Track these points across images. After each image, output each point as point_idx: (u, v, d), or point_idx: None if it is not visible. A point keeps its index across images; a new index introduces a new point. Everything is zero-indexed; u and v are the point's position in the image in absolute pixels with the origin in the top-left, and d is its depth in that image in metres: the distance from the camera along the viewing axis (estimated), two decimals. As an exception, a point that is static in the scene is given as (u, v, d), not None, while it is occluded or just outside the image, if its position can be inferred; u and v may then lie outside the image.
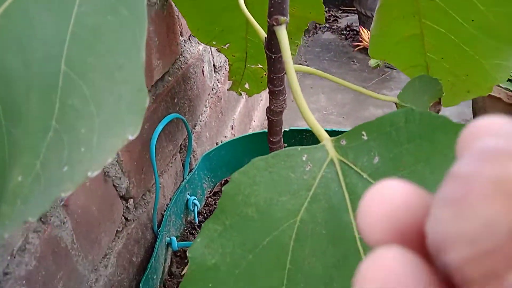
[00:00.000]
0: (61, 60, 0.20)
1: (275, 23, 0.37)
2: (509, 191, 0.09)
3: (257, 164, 0.31)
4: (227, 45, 0.62)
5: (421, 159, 0.29)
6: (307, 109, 0.32)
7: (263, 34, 0.41)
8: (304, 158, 0.31)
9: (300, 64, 1.59)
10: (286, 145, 0.57)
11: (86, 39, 0.20)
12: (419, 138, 0.29)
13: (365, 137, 0.30)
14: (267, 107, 0.49)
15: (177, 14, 0.61)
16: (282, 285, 0.30)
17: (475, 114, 1.25)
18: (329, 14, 2.02)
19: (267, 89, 0.47)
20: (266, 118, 0.51)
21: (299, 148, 0.31)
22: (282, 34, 0.36)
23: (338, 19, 2.00)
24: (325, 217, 0.31)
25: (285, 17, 0.36)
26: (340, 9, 2.09)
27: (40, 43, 0.21)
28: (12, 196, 0.18)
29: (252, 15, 0.42)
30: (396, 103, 0.49)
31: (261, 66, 0.62)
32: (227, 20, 0.57)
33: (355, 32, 1.81)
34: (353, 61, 1.65)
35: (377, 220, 0.12)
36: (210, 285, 0.30)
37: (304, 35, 1.77)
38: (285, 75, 0.44)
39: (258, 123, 1.10)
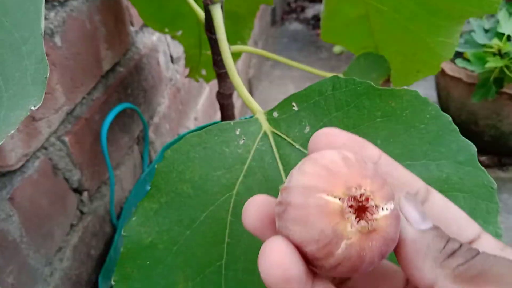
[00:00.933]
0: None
1: (209, 2, 0.37)
2: (327, 211, 0.17)
3: (190, 140, 0.30)
4: (179, 32, 0.61)
5: (350, 125, 0.30)
6: (240, 83, 0.32)
7: (202, 15, 0.41)
8: (237, 132, 0.31)
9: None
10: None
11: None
12: (347, 106, 0.30)
13: (295, 108, 0.31)
14: (217, 91, 0.49)
15: (126, 3, 0.60)
16: (221, 259, 0.30)
17: (439, 95, 1.28)
18: (296, 5, 2.03)
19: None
20: (218, 103, 0.51)
21: (232, 122, 0.31)
22: (217, 13, 0.36)
23: (305, 9, 2.01)
24: (261, 189, 0.31)
25: (219, -4, 0.36)
26: None
27: None
28: None
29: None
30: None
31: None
32: (176, 6, 0.57)
33: (321, 22, 1.82)
34: (321, 50, 1.66)
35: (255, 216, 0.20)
36: (147, 262, 0.30)
37: (272, 26, 1.77)
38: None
39: (224, 114, 1.09)
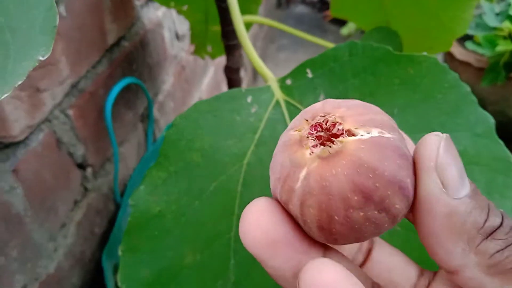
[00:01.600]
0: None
1: (219, -32, 0.35)
2: (288, 144, 0.14)
3: (200, 107, 0.29)
4: (185, 7, 0.60)
5: (366, 93, 0.28)
6: (252, 49, 0.31)
7: (211, -17, 0.40)
8: (249, 100, 0.30)
9: (273, 37, 1.57)
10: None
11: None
12: (363, 72, 0.28)
13: (309, 75, 0.29)
14: (225, 66, 0.48)
15: (131, -24, 0.58)
16: (230, 231, 0.30)
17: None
18: (302, -12, 2.00)
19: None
20: (226, 78, 0.50)
21: (243, 89, 0.30)
22: (227, -22, 0.35)
23: (310, -7, 1.98)
24: (273, 159, 0.30)
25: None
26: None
27: None
28: None
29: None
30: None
31: (220, 28, 0.60)
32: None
33: (328, 4, 1.79)
34: (327, 33, 1.64)
35: None
36: (155, 233, 0.29)
37: (277, 9, 1.75)
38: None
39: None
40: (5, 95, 0.19)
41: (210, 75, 0.93)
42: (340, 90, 0.29)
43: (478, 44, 1.00)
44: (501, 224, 0.14)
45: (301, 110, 0.31)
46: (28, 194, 0.42)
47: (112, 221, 0.58)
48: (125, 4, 0.57)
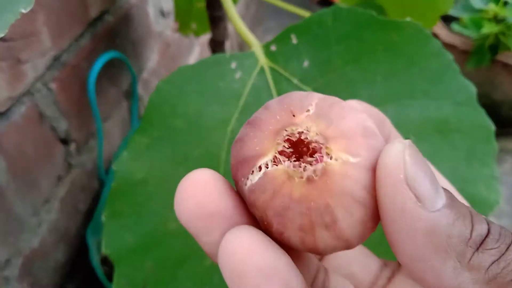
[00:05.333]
0: None
1: None
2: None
3: (183, 72, 0.29)
4: (169, -18, 0.59)
5: (350, 60, 0.29)
6: (236, 16, 0.31)
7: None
8: (233, 66, 0.30)
9: (260, 19, 1.56)
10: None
11: None
12: (347, 38, 0.28)
13: (294, 41, 0.29)
14: (209, 39, 0.48)
15: (114, -51, 0.57)
16: (215, 197, 0.30)
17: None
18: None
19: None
20: (210, 51, 0.50)
21: (227, 55, 0.30)
22: None
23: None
24: (257, 126, 0.30)
25: None
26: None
27: None
28: None
29: None
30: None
31: (205, 2, 0.59)
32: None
33: (314, -12, 1.78)
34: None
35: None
36: (139, 199, 0.29)
37: (263, -8, 1.73)
38: None
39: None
40: None
41: (196, 53, 0.92)
42: (324, 56, 0.29)
43: (464, 26, 1.00)
44: (489, 231, 0.12)
45: (285, 76, 0.31)
46: (10, 167, 0.41)
47: (96, 198, 0.57)
48: (108, -23, 0.56)
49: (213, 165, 0.29)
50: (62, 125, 0.49)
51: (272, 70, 0.30)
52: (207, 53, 1.02)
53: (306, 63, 0.29)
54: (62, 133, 0.49)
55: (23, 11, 0.19)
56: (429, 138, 0.29)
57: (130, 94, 0.64)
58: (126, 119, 0.64)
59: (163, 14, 0.74)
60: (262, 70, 0.30)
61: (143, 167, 0.29)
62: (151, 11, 0.69)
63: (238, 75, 0.30)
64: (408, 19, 0.28)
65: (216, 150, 0.29)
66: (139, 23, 0.64)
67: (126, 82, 0.62)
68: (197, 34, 0.64)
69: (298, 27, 0.29)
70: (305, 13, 0.51)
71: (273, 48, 0.30)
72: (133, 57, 0.63)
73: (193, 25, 0.64)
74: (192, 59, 0.90)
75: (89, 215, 0.56)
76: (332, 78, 0.29)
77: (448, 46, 1.11)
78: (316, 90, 0.29)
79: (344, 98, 0.29)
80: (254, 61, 0.30)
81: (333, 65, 0.29)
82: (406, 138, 0.29)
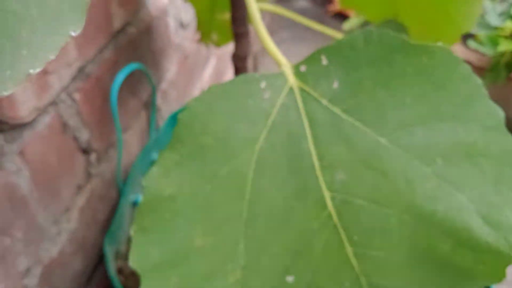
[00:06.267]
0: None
1: (234, -47, 0.35)
2: None
3: (214, 91, 0.29)
4: (192, -5, 0.60)
5: (380, 82, 0.29)
6: (266, 36, 0.31)
7: (223, -31, 0.40)
8: (262, 86, 0.30)
9: (273, 30, 1.57)
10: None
11: None
12: (378, 61, 0.29)
13: (324, 62, 0.30)
14: (232, 53, 0.48)
15: (138, -38, 0.58)
16: (241, 216, 0.30)
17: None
18: (303, -17, 2.00)
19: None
20: (233, 66, 0.50)
21: (257, 74, 0.30)
22: (241, -36, 0.35)
23: (311, -13, 1.98)
24: (285, 145, 0.30)
25: None
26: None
27: None
28: None
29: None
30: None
31: (229, 16, 0.60)
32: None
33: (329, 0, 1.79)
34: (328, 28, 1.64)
35: None
36: (167, 215, 0.29)
37: (278, 2, 1.74)
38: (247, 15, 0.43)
39: (230, 88, 1.08)
40: (38, 70, 0.19)
41: (212, 65, 0.93)
42: (354, 78, 0.29)
43: (480, 43, 1.00)
44: None
45: (314, 97, 0.31)
46: (34, 176, 0.42)
47: (113, 208, 0.58)
48: (132, -10, 0.57)
49: (241, 183, 0.29)
50: (84, 135, 0.49)
51: (301, 90, 0.30)
52: (223, 64, 1.02)
53: (335, 84, 0.29)
54: (83, 143, 0.50)
55: (73, 34, 0.20)
56: (457, 161, 0.29)
57: (149, 105, 0.65)
58: (144, 129, 0.64)
59: (182, 25, 0.75)
60: (291, 90, 0.30)
61: (172, 184, 0.29)
62: (171, 22, 0.70)
63: (267, 94, 0.30)
64: (439, 43, 0.28)
65: (244, 168, 0.30)
66: (159, 34, 0.65)
67: (146, 93, 0.63)
68: (218, 44, 0.65)
69: (329, 48, 0.29)
70: (318, 26, 0.52)
71: (302, 68, 0.30)
72: (152, 68, 0.64)
73: (214, 36, 0.65)
74: (208, 70, 0.91)
75: (106, 224, 0.56)
76: (362, 99, 0.29)
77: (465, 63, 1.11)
78: (345, 111, 0.29)
79: (373, 119, 0.29)
80: (284, 81, 0.30)
81: (363, 87, 0.29)
82: (434, 161, 0.29)
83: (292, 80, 0.30)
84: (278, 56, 0.31)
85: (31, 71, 0.20)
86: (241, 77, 0.30)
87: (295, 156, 0.30)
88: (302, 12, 1.78)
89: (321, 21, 1.70)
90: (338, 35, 0.47)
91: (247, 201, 0.30)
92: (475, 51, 1.04)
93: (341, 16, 1.62)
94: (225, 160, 0.29)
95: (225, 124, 0.29)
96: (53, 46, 0.20)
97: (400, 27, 0.49)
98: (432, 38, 0.55)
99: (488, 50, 0.97)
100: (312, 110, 0.30)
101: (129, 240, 0.60)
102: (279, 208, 0.30)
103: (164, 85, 0.69)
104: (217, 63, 0.96)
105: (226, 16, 0.62)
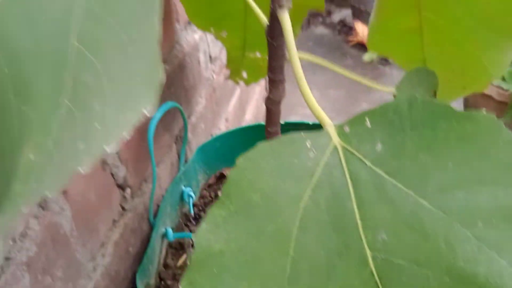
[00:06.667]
0: (72, 36, 0.20)
1: (278, 7, 0.37)
2: None
3: (261, 149, 0.31)
4: (224, 33, 0.61)
5: (423, 146, 0.30)
6: (310, 95, 0.32)
7: (264, 19, 0.41)
8: (308, 145, 0.31)
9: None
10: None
11: (97, 12, 0.20)
12: (422, 126, 0.30)
13: (368, 124, 0.31)
14: (266, 97, 0.49)
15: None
16: (285, 273, 0.30)
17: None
18: (322, 9, 2.03)
19: (261, 83, 0.47)
20: (265, 108, 0.51)
21: (303, 134, 0.31)
22: (285, 18, 0.36)
23: (331, 13, 2.01)
24: (329, 204, 0.31)
25: (288, 1, 0.37)
26: (333, 3, 2.09)
27: (49, 17, 0.21)
28: (25, 174, 0.18)
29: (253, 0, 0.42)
30: (394, 95, 0.49)
31: (259, 55, 0.62)
32: (226, 6, 0.57)
33: (348, 27, 1.81)
34: (346, 57, 1.66)
35: None
36: (214, 270, 0.30)
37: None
38: (285, 63, 0.44)
39: (251, 117, 1.09)
40: (112, 146, 0.19)
41: (236, 96, 0.95)
42: (397, 141, 0.30)
43: (502, 79, 1.01)
44: None
45: (357, 157, 0.32)
46: (75, 215, 0.43)
47: (144, 241, 0.59)
48: (167, 27, 0.59)
49: (285, 241, 0.30)
50: (121, 172, 0.51)
51: (345, 150, 0.31)
52: (246, 94, 1.04)
53: (379, 146, 0.30)
54: (120, 179, 0.51)
55: (145, 111, 0.21)
56: (497, 225, 0.30)
57: (179, 138, 0.66)
58: (174, 162, 0.66)
59: (211, 59, 0.77)
60: (335, 149, 0.31)
61: (220, 239, 0.30)
62: (202, 57, 0.72)
63: (312, 153, 0.31)
64: (483, 110, 0.29)
65: (288, 225, 0.30)
66: (191, 70, 0.67)
67: (177, 127, 0.65)
68: (248, 82, 0.66)
69: (373, 112, 0.30)
70: (339, 69, 0.52)
71: (346, 129, 0.31)
72: (184, 103, 0.66)
73: (244, 74, 0.66)
74: (233, 101, 0.92)
75: (138, 257, 0.57)
76: (405, 162, 0.30)
77: (484, 97, 1.11)
78: (388, 173, 0.30)
79: (415, 181, 0.30)
80: (328, 140, 0.31)
81: (406, 150, 0.30)
82: (474, 224, 0.29)
83: (336, 139, 0.31)
84: (322, 115, 0.32)
85: (106, 147, 0.20)
86: (288, 136, 0.31)
87: (339, 215, 0.30)
88: (321, 38, 1.80)
89: (338, 48, 1.72)
90: (369, 83, 0.48)
91: (291, 258, 0.30)
92: (497, 86, 1.04)
93: (361, 46, 1.64)
94: (271, 217, 0.30)
95: (271, 182, 0.30)
96: (126, 123, 0.20)
97: (431, 74, 0.50)
98: (460, 83, 0.56)
99: (510, 86, 0.98)
100: (355, 170, 0.31)
101: (158, 274, 0.61)
102: (322, 265, 0.30)
103: (193, 119, 0.71)
104: (241, 93, 0.98)
105: (257, 55, 0.63)
